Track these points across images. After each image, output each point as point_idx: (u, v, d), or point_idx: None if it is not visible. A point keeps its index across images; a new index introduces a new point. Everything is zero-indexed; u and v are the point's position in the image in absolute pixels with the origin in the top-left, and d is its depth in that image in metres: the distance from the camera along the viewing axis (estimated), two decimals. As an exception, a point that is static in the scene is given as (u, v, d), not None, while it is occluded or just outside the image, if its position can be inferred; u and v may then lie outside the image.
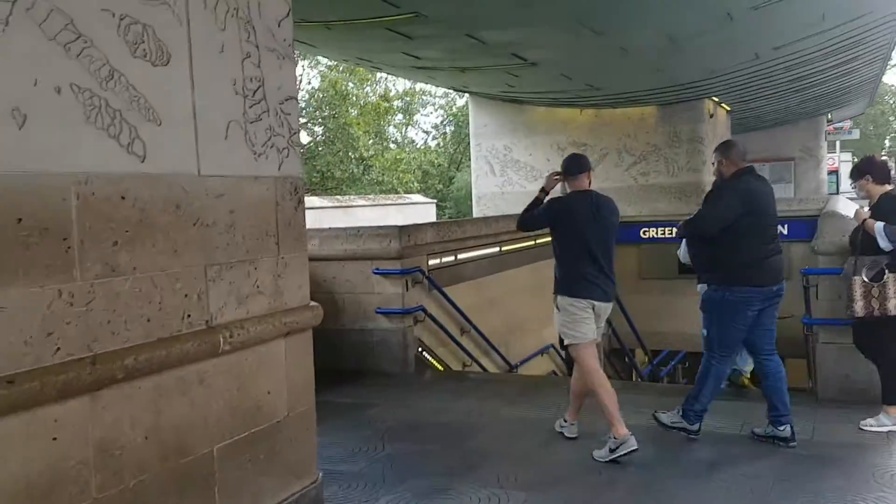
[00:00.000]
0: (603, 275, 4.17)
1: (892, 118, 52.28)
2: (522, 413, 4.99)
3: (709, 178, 12.87)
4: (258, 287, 2.64)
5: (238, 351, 2.54)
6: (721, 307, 4.15)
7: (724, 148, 4.34)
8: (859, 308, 4.29)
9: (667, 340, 11.94)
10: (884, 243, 4.24)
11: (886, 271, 4.23)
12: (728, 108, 14.24)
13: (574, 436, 4.36)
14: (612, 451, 3.94)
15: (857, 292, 4.29)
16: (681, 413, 4.33)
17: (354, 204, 21.55)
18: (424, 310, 6.59)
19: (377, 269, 6.42)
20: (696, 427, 4.30)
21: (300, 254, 2.83)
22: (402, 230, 6.50)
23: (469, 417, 4.91)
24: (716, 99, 12.90)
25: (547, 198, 4.41)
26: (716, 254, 4.16)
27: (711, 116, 12.79)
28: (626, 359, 7.84)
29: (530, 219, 4.44)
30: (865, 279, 4.28)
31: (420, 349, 6.64)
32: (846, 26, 7.60)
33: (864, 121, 31.43)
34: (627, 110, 12.66)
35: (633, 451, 3.91)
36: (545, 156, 13.27)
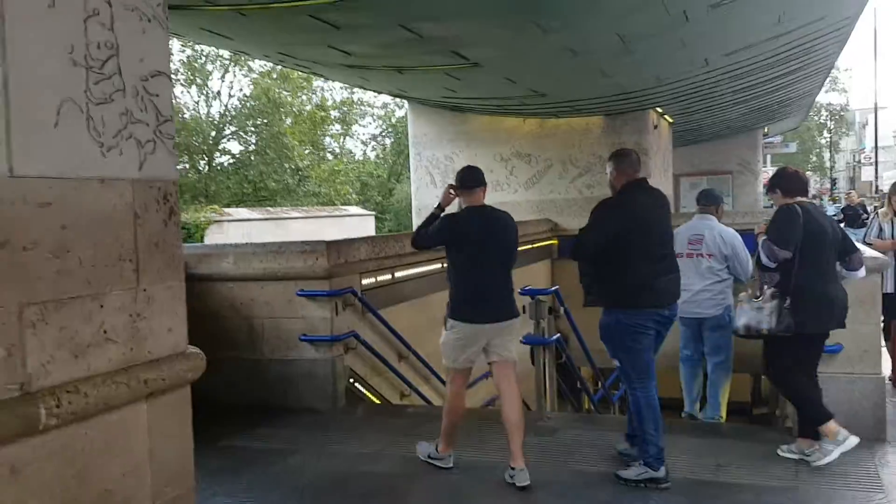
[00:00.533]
0: (499, 294, 3.98)
1: (816, 133, 54.38)
2: (470, 458, 4.33)
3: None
4: (105, 332, 1.91)
5: (72, 424, 1.82)
6: (620, 332, 3.84)
7: (616, 158, 4.03)
8: (741, 326, 4.08)
9: (615, 359, 11.53)
10: (763, 259, 4.00)
11: (765, 286, 3.99)
12: (671, 120, 14.07)
13: (525, 483, 3.77)
14: (430, 457, 4.17)
15: (742, 309, 4.08)
16: (643, 463, 3.82)
17: (287, 216, 20.60)
18: (357, 336, 5.89)
19: (302, 290, 5.69)
20: (662, 473, 3.80)
21: (173, 283, 2.12)
22: (332, 246, 5.79)
23: (407, 466, 4.24)
24: (660, 110, 12.66)
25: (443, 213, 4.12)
26: (601, 274, 3.90)
27: (656, 128, 12.54)
28: (578, 383, 7.31)
29: (425, 237, 4.14)
30: (755, 296, 4.03)
31: (352, 380, 5.93)
32: (800, 31, 7.32)
33: (792, 136, 32.37)
34: (572, 120, 12.28)
35: (449, 468, 4.10)
36: (488, 166, 12.75)
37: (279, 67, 33.84)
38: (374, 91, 9.34)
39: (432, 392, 7.45)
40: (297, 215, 21.13)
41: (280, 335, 5.79)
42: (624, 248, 3.75)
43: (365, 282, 6.32)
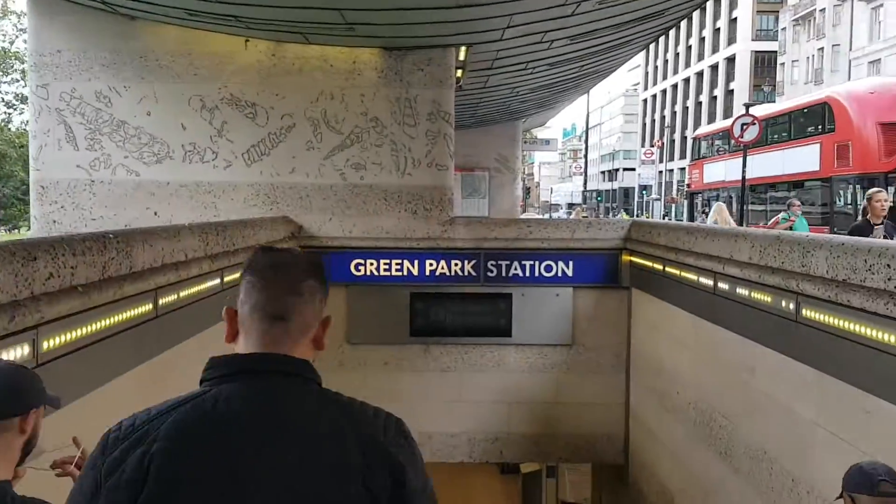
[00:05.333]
0: None
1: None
2: None
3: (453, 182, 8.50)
4: None
5: None
6: None
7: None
8: None
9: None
10: None
11: None
12: (459, 77, 10.10)
13: None
14: None
15: None
16: None
17: None
18: None
19: None
20: None
21: None
22: None
23: None
24: (463, 54, 8.59)
25: None
26: None
27: (458, 83, 8.50)
28: None
29: None
30: None
31: None
32: None
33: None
34: (329, 51, 7.61)
35: None
36: (177, 118, 7.52)
37: None
38: None
39: None
40: None
41: None
42: None
43: None
